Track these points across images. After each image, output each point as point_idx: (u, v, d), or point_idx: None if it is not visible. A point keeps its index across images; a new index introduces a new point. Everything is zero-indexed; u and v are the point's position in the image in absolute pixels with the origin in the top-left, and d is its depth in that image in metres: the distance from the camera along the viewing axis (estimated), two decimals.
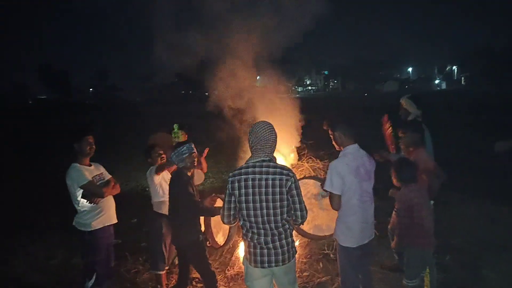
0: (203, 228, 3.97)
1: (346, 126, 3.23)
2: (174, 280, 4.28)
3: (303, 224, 2.80)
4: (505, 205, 5.73)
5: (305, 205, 2.70)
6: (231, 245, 4.57)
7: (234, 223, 2.83)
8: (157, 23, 4.83)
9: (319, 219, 4.41)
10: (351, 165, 3.07)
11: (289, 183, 2.60)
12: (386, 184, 3.74)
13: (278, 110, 5.11)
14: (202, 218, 4.09)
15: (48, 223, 6.24)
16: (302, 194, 2.74)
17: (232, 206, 2.70)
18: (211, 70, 5.03)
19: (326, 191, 3.18)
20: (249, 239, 2.71)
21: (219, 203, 3.83)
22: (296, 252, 2.81)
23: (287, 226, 2.70)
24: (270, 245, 2.65)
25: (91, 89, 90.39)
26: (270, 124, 2.80)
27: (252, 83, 5.38)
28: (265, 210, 2.60)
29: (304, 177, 4.44)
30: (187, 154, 3.48)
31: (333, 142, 3.33)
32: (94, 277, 3.63)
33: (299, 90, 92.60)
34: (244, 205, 2.64)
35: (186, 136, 4.87)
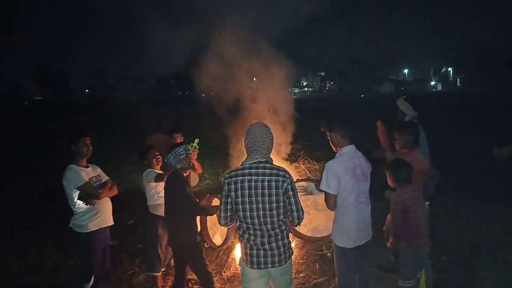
0: (199, 229, 3.97)
1: (342, 127, 3.24)
2: (170, 282, 4.28)
3: (300, 225, 2.80)
4: (500, 205, 5.75)
5: (301, 206, 2.71)
6: (230, 245, 4.58)
7: (231, 224, 2.84)
8: (153, 23, 4.83)
9: (316, 221, 4.42)
10: (347, 165, 3.08)
11: (285, 184, 2.60)
12: (382, 185, 3.76)
13: (274, 112, 5.13)
14: (198, 220, 4.10)
15: (43, 224, 6.20)
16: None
17: (228, 207, 2.71)
18: (207, 71, 5.04)
19: (321, 190, 3.19)
20: (245, 240, 2.71)
21: (216, 202, 3.84)
22: (292, 253, 2.82)
23: (283, 227, 2.70)
24: (267, 246, 2.66)
25: (87, 90, 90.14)
26: (267, 125, 2.81)
27: (248, 84, 5.39)
28: (261, 212, 2.60)
29: (297, 180, 4.45)
30: (184, 155, 3.50)
31: (330, 144, 3.35)
32: (92, 279, 3.62)
33: (296, 91, 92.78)
34: (240, 206, 2.64)
35: (182, 138, 4.87)
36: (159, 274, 4.12)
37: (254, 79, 5.58)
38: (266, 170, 2.62)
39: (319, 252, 4.71)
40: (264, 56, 5.06)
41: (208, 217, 4.31)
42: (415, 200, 3.28)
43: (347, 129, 3.24)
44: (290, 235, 2.96)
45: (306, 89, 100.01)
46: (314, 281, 4.18)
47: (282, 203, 2.62)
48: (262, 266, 2.67)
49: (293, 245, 3.93)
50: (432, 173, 3.73)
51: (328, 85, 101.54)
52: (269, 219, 2.62)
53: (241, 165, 2.71)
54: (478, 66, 62.59)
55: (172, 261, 4.25)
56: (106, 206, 3.76)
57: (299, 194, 2.76)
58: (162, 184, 3.93)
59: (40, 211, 6.90)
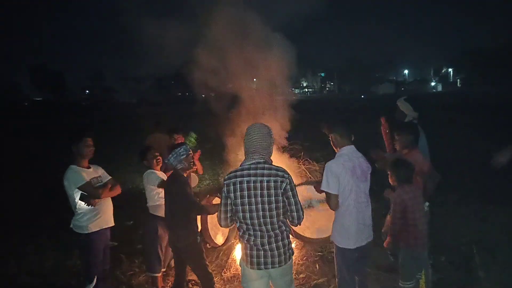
0: (200, 230, 3.97)
1: (341, 127, 3.26)
2: (170, 283, 4.27)
3: (300, 225, 2.80)
4: (500, 205, 5.75)
5: (301, 206, 2.71)
6: (230, 246, 4.59)
7: (232, 225, 2.84)
8: (152, 22, 4.83)
9: (318, 222, 4.43)
10: (347, 165, 3.09)
11: (284, 184, 2.60)
12: (381, 186, 3.76)
13: (274, 112, 5.13)
14: (199, 220, 4.10)
15: (42, 225, 6.19)
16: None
17: (228, 209, 2.71)
18: (206, 72, 5.04)
19: (323, 191, 3.20)
20: (245, 241, 2.71)
21: (216, 201, 3.84)
22: (293, 253, 2.82)
23: (283, 227, 2.70)
24: (267, 247, 2.66)
25: (87, 91, 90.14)
26: (266, 126, 2.81)
27: (248, 85, 5.39)
28: (261, 212, 2.60)
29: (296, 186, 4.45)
30: (184, 156, 3.51)
31: (332, 145, 3.36)
32: (95, 280, 3.62)
33: (296, 91, 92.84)
34: (239, 207, 2.64)
35: (183, 138, 4.87)
36: (159, 275, 4.11)
37: (254, 79, 5.58)
38: (265, 171, 2.62)
39: (319, 253, 4.70)
40: (264, 55, 5.06)
41: (209, 218, 4.32)
42: (415, 201, 3.29)
43: (347, 130, 3.26)
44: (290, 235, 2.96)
45: (306, 89, 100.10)
46: (314, 281, 4.18)
47: (281, 203, 2.62)
48: (262, 266, 2.67)
49: (293, 245, 3.93)
50: (431, 173, 3.73)
51: (328, 85, 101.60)
52: (268, 219, 2.62)
53: (240, 166, 2.71)
54: (478, 67, 62.65)
55: (172, 262, 4.24)
56: (107, 207, 3.76)
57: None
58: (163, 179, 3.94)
59: (39, 211, 6.89)
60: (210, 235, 4.34)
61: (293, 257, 2.96)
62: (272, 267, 2.68)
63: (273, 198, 2.59)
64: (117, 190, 3.82)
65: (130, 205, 6.17)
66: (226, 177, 2.71)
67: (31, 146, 16.02)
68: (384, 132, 4.56)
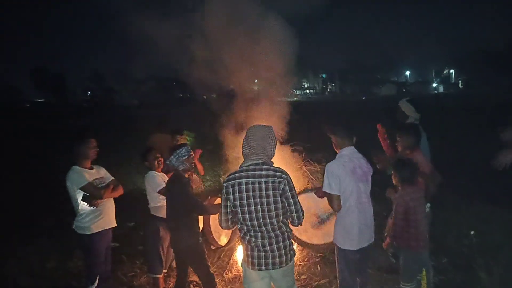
0: (201, 229, 3.98)
1: (341, 129, 3.27)
2: (171, 284, 4.27)
3: (301, 225, 2.80)
4: (501, 206, 5.73)
5: (301, 206, 2.70)
6: (231, 247, 4.59)
7: (233, 227, 2.84)
8: (153, 23, 4.83)
9: (325, 227, 4.44)
10: (347, 166, 3.10)
11: (282, 185, 2.60)
12: (382, 187, 3.76)
13: (275, 114, 5.13)
14: (201, 221, 4.10)
15: (42, 226, 6.20)
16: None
17: (228, 210, 2.72)
18: (208, 73, 5.04)
19: (323, 195, 3.21)
20: (246, 242, 2.71)
21: (218, 201, 3.85)
22: (294, 255, 2.81)
23: (284, 228, 2.70)
24: (267, 248, 2.66)
25: (89, 92, 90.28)
26: (266, 127, 2.81)
27: (249, 86, 5.39)
28: (260, 213, 2.61)
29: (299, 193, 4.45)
30: (186, 157, 3.52)
31: (333, 146, 3.37)
32: (97, 281, 3.63)
33: (298, 93, 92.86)
34: (239, 209, 2.65)
35: (185, 139, 4.88)
36: (161, 276, 4.11)
37: (256, 80, 5.58)
38: (263, 172, 2.62)
39: (320, 254, 4.70)
40: (264, 54, 5.06)
41: (212, 220, 4.32)
42: (417, 202, 3.29)
43: (348, 131, 3.28)
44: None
45: (307, 91, 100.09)
46: (316, 283, 4.18)
47: (280, 204, 2.62)
48: (263, 267, 2.67)
49: (294, 247, 3.93)
50: (433, 174, 3.73)
51: (330, 87, 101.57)
52: (268, 220, 2.62)
53: (239, 168, 2.72)
54: (479, 68, 62.57)
55: (173, 263, 4.25)
56: (109, 208, 3.78)
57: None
58: (163, 185, 3.94)
59: (40, 212, 6.90)
60: (213, 237, 4.35)
61: (295, 258, 2.96)
62: (273, 268, 2.68)
63: (272, 199, 2.59)
64: (119, 191, 3.84)
65: (131, 206, 6.17)
66: (225, 179, 2.73)
67: (32, 146, 16.04)
68: (381, 138, 4.55)
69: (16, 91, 79.10)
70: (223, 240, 4.49)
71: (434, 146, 4.29)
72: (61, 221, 4.11)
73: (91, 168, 3.72)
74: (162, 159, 4.18)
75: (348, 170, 3.08)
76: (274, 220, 2.63)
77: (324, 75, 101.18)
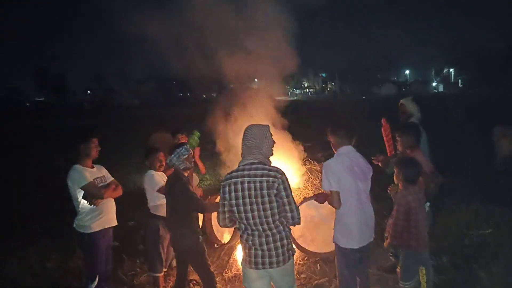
0: (205, 228, 3.99)
1: (341, 129, 3.27)
2: (171, 283, 4.28)
3: (299, 224, 2.80)
4: (501, 206, 5.73)
5: (296, 206, 2.70)
6: (231, 245, 4.59)
7: (231, 226, 2.85)
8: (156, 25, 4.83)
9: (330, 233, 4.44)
10: (345, 164, 3.11)
11: (276, 184, 2.60)
12: (383, 187, 3.76)
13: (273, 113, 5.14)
14: (201, 220, 4.11)
15: (43, 226, 6.19)
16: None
17: (226, 209, 2.73)
18: (209, 73, 5.04)
19: (324, 200, 3.23)
20: (244, 240, 2.73)
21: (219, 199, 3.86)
22: (293, 254, 2.81)
23: (281, 227, 2.70)
24: (265, 247, 2.66)
25: (89, 91, 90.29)
26: (263, 126, 2.82)
27: (250, 85, 5.40)
28: (256, 212, 2.62)
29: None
30: (186, 156, 3.53)
31: (332, 147, 3.37)
32: (97, 279, 3.63)
33: (297, 92, 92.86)
34: (235, 208, 2.67)
35: (186, 138, 4.88)
36: (161, 274, 4.12)
37: (256, 80, 5.59)
38: (258, 171, 2.63)
39: None
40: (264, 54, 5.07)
41: (214, 218, 4.33)
42: (417, 203, 3.28)
43: (346, 131, 3.28)
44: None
45: (307, 90, 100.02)
46: (315, 282, 4.18)
47: (275, 204, 2.62)
48: (260, 266, 2.68)
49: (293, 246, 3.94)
50: (433, 174, 3.73)
51: (329, 86, 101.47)
52: (264, 219, 2.63)
53: (237, 167, 2.74)
54: (479, 67, 62.55)
55: (173, 262, 4.25)
56: (109, 207, 3.78)
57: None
58: (162, 184, 3.94)
59: (41, 212, 6.90)
60: (216, 235, 4.35)
61: (294, 257, 2.96)
62: (270, 267, 2.68)
63: (267, 198, 2.60)
64: (119, 192, 3.84)
65: (131, 205, 6.18)
66: (223, 178, 2.75)
67: (32, 146, 16.05)
68: (384, 133, 4.55)
69: (17, 92, 79.07)
70: (226, 238, 4.50)
71: (434, 145, 4.29)
72: (61, 220, 4.10)
73: (92, 167, 3.73)
74: (164, 164, 4.16)
75: (345, 167, 3.09)
76: (270, 219, 2.63)
77: (324, 75, 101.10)
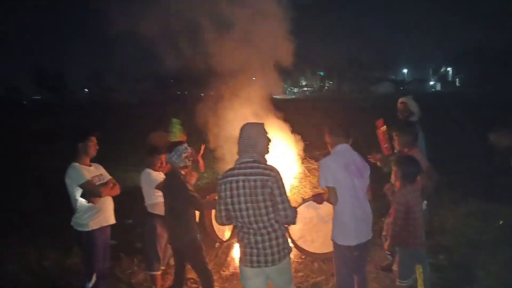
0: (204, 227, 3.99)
1: (335, 126, 3.29)
2: (169, 281, 4.27)
3: (294, 224, 2.80)
4: (498, 204, 5.76)
5: (289, 205, 2.69)
6: (229, 244, 4.59)
7: (228, 223, 2.85)
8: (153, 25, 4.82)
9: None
10: (341, 161, 3.13)
11: (270, 183, 2.60)
12: (380, 186, 3.76)
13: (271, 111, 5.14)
14: (200, 219, 4.10)
15: (40, 224, 6.18)
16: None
17: (222, 207, 2.74)
18: (206, 71, 5.04)
19: (322, 201, 3.24)
20: (240, 238, 2.75)
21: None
22: (289, 252, 2.81)
23: (276, 226, 2.70)
24: (260, 245, 2.67)
25: (86, 90, 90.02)
26: (258, 125, 2.83)
27: (248, 84, 5.39)
28: (251, 211, 2.62)
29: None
30: (185, 154, 3.52)
31: (328, 147, 3.38)
32: (94, 278, 3.63)
33: (295, 91, 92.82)
34: (230, 206, 2.68)
35: (185, 137, 4.87)
36: (159, 273, 4.12)
37: (253, 78, 5.58)
38: (252, 170, 2.64)
39: None
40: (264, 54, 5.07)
41: (214, 216, 4.32)
42: (414, 201, 3.29)
43: (342, 130, 3.29)
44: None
45: (305, 88, 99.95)
46: (313, 280, 4.19)
47: (270, 202, 2.62)
48: (255, 264, 2.69)
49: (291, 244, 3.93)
50: (430, 172, 3.73)
51: (327, 85, 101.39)
52: (259, 218, 2.63)
53: (233, 166, 2.74)
54: (477, 66, 62.70)
55: (171, 260, 4.25)
56: (107, 205, 3.77)
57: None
58: (160, 181, 3.94)
59: (39, 210, 6.88)
60: (217, 234, 4.35)
61: (292, 255, 2.96)
62: (266, 266, 2.68)
63: (261, 197, 2.60)
64: (117, 190, 3.83)
65: (129, 204, 6.16)
66: (220, 177, 2.77)
67: (30, 144, 15.97)
68: (379, 135, 4.54)
69: (16, 91, 78.80)
70: (227, 235, 4.51)
71: (432, 143, 4.29)
72: (59, 218, 4.09)
73: (90, 166, 3.72)
74: (164, 164, 4.15)
75: (342, 164, 3.11)
76: (265, 217, 2.63)
77: (322, 73, 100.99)
